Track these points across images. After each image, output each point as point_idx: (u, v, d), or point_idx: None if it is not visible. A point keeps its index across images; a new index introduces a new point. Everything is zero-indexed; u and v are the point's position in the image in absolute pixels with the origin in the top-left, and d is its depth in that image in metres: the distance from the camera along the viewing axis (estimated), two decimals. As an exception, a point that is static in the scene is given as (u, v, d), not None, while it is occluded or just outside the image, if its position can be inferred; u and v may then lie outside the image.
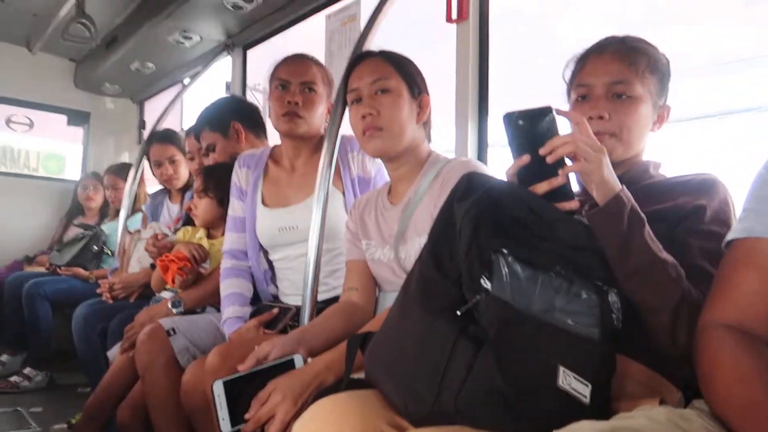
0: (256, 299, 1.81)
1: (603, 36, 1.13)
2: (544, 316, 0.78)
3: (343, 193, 1.67)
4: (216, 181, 2.02)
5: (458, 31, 1.91)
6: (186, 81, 3.61)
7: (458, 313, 0.82)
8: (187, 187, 2.78)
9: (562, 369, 0.76)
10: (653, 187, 1.07)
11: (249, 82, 3.22)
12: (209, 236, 2.13)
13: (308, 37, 2.70)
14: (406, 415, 0.84)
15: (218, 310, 1.89)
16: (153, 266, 2.29)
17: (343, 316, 1.34)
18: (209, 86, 3.46)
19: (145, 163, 2.96)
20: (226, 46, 3.14)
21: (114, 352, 2.05)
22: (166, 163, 2.72)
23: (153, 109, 4.30)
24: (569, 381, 0.76)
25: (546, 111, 0.88)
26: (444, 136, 1.80)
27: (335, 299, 1.49)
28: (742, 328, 0.78)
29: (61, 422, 2.36)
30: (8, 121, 4.10)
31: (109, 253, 3.30)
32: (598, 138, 1.01)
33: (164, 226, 2.51)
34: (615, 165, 1.06)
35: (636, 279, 0.85)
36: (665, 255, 0.87)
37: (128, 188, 3.05)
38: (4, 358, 3.24)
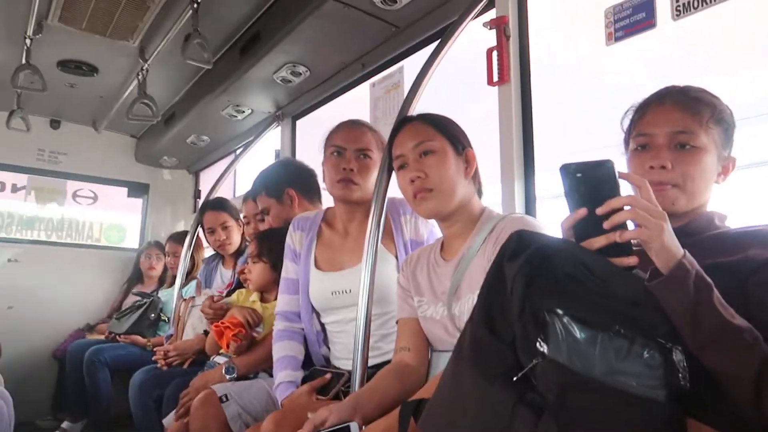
0: (308, 361, 1.81)
1: (641, 87, 1.13)
2: (606, 379, 0.75)
3: (396, 257, 1.68)
4: (269, 246, 2.08)
5: (500, 93, 1.94)
6: (238, 151, 3.78)
7: (514, 379, 0.80)
8: (239, 252, 2.86)
9: (627, 436, 0.72)
10: (719, 237, 1.03)
11: (297, 149, 3.34)
12: (262, 299, 2.17)
13: (354, 103, 2.80)
14: (464, 485, 0.81)
15: (270, 375, 1.89)
16: (206, 332, 2.33)
17: (396, 379, 1.32)
18: (260, 155, 3.61)
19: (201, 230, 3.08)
20: (276, 117, 3.29)
21: (169, 420, 2.07)
22: (219, 229, 2.82)
23: (207, 178, 4.50)
24: (637, 449, 0.71)
25: (605, 164, 0.86)
26: (490, 193, 1.81)
27: (387, 364, 1.46)
28: None
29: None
30: (74, 196, 4.37)
31: (166, 320, 3.39)
32: (661, 188, 0.99)
33: (217, 291, 2.58)
34: (678, 216, 1.03)
35: (709, 349, 0.80)
36: (738, 321, 0.81)
37: (183, 254, 3.16)
38: (65, 425, 3.31)
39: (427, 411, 0.91)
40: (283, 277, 1.88)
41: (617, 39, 1.65)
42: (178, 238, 3.59)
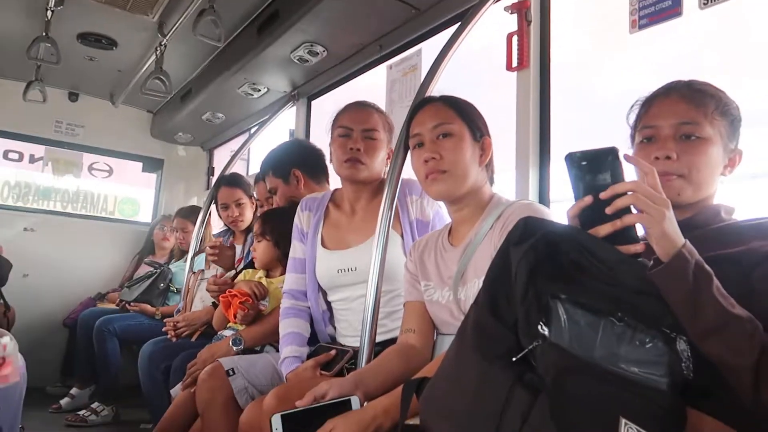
0: (314, 339, 1.83)
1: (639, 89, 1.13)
2: (606, 365, 0.75)
3: (402, 236, 1.69)
4: (272, 225, 2.11)
5: (518, 79, 1.92)
6: (253, 130, 3.79)
7: (513, 359, 0.80)
8: (250, 229, 2.88)
9: (624, 421, 0.71)
10: (724, 230, 1.02)
11: (312, 129, 3.34)
12: (268, 276, 2.19)
13: (369, 86, 2.79)
14: (461, 463, 0.82)
15: (277, 349, 1.92)
16: (215, 305, 2.36)
17: (400, 359, 1.33)
18: (274, 134, 3.61)
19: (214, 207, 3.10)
20: (292, 97, 3.29)
21: (176, 390, 2.11)
22: (233, 206, 2.83)
23: (221, 156, 4.52)
24: (632, 434, 0.71)
25: (610, 152, 0.86)
26: (503, 182, 1.80)
27: (392, 341, 1.48)
28: None
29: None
30: (90, 168, 4.42)
31: (175, 290, 3.44)
32: (666, 178, 0.98)
33: (227, 267, 2.61)
34: (684, 207, 1.03)
35: (709, 338, 0.79)
36: (738, 310, 0.81)
37: (196, 230, 3.18)
38: (74, 391, 3.39)
39: (428, 389, 0.92)
40: (291, 257, 1.90)
41: (641, 27, 1.62)
42: (186, 213, 3.62)
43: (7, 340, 0.58)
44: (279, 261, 2.12)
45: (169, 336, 2.54)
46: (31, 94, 3.40)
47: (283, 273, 1.99)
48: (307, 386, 1.29)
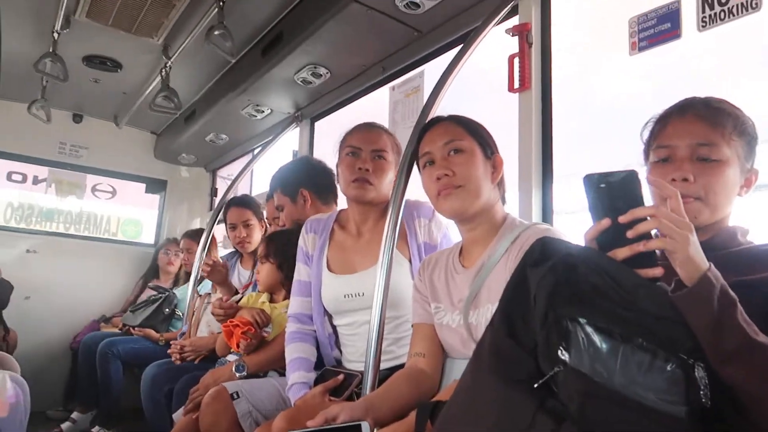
0: (319, 363, 1.81)
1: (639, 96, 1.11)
2: (627, 391, 0.74)
3: (410, 260, 1.67)
4: (276, 248, 2.10)
5: (520, 100, 1.93)
6: (256, 151, 3.80)
7: (535, 385, 0.79)
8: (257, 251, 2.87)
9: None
10: (743, 253, 1.01)
11: (315, 151, 3.36)
12: (271, 300, 2.18)
13: (372, 107, 2.81)
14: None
15: (281, 374, 1.90)
16: (222, 333, 2.35)
17: (409, 384, 1.31)
18: (278, 155, 3.62)
19: (217, 228, 3.09)
20: (295, 118, 3.30)
21: (179, 414, 2.08)
22: (240, 226, 2.82)
23: (224, 177, 4.53)
24: (655, 464, 0.70)
25: (629, 175, 0.85)
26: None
27: (399, 368, 1.46)
28: None
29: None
30: (93, 190, 4.43)
31: (180, 315, 3.42)
32: (684, 201, 0.97)
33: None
34: (700, 230, 1.01)
35: (732, 366, 0.78)
36: (762, 338, 0.79)
37: (199, 252, 3.18)
38: (75, 415, 3.35)
39: (444, 413, 0.91)
40: (296, 279, 1.88)
41: (641, 49, 1.64)
42: (193, 234, 3.61)
43: None
44: (282, 284, 2.10)
45: (173, 359, 2.52)
46: (35, 110, 3.41)
47: (287, 297, 1.97)
48: (316, 411, 1.27)
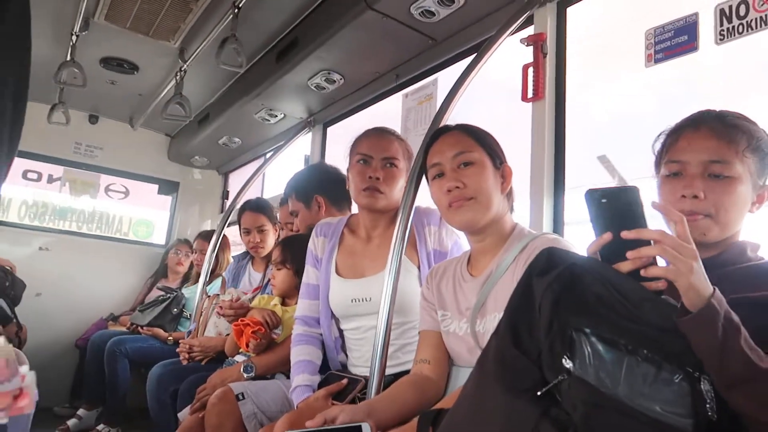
0: (325, 367, 1.81)
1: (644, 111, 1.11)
2: (631, 402, 0.74)
3: (418, 267, 1.67)
4: (293, 254, 2.10)
5: (534, 110, 1.93)
6: (268, 155, 3.83)
7: (539, 393, 0.79)
8: (270, 256, 2.88)
9: (652, 461, 0.70)
10: (751, 270, 1.00)
11: (327, 156, 3.37)
12: (283, 304, 2.18)
13: (384, 113, 2.82)
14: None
15: (287, 377, 1.90)
16: (231, 335, 2.35)
17: (414, 390, 1.31)
18: (290, 159, 3.65)
19: (230, 229, 3.10)
20: (308, 123, 3.32)
21: (184, 414, 2.09)
22: (255, 231, 2.83)
23: (236, 180, 4.56)
24: (659, 476, 0.70)
25: (631, 190, 0.85)
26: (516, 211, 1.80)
27: (404, 374, 1.45)
28: None
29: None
30: (107, 189, 4.48)
31: (188, 316, 3.44)
32: (692, 218, 0.96)
33: (242, 292, 2.61)
34: (710, 246, 1.00)
35: (735, 390, 0.77)
36: (766, 364, 0.78)
37: (209, 254, 3.20)
38: (81, 412, 3.37)
39: (446, 421, 0.90)
40: (304, 282, 1.88)
41: (657, 61, 1.63)
42: (207, 236, 3.63)
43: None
44: (297, 289, 2.11)
45: (181, 358, 2.53)
46: (56, 117, 3.47)
47: (299, 301, 1.98)
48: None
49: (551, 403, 0.77)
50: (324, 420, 1.16)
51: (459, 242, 1.69)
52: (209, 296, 2.88)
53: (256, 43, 2.78)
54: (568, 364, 0.77)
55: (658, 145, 1.15)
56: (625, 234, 0.83)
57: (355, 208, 1.96)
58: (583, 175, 1.96)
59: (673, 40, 1.60)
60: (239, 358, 2.13)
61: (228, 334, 2.39)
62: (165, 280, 3.99)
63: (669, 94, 1.76)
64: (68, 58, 2.94)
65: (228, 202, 4.35)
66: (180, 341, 2.67)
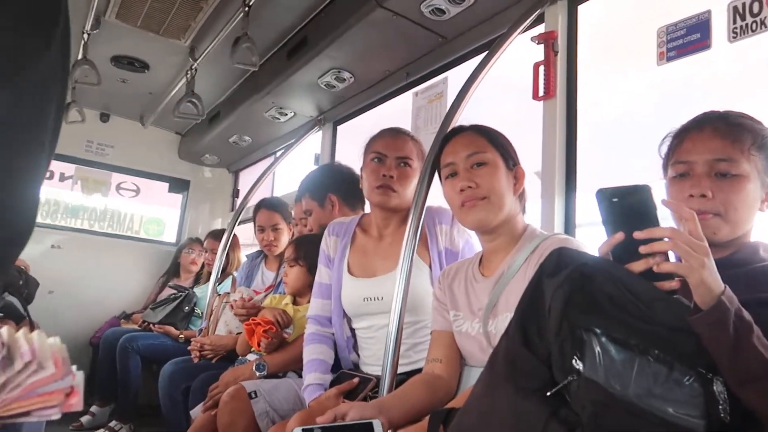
0: (337, 366, 1.82)
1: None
2: (642, 403, 0.74)
3: (430, 266, 1.67)
4: (306, 251, 2.11)
5: (545, 108, 1.93)
6: (278, 153, 3.84)
7: (548, 394, 0.79)
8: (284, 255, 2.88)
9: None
10: (766, 270, 0.99)
11: (337, 155, 3.38)
12: (295, 303, 2.20)
13: (395, 112, 2.82)
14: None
15: (300, 375, 1.91)
16: (243, 334, 2.36)
17: (425, 388, 1.32)
18: (300, 158, 3.65)
19: (240, 228, 3.11)
20: (318, 122, 3.33)
21: (196, 411, 2.11)
22: (269, 230, 2.84)
23: (246, 178, 4.58)
24: (670, 477, 0.70)
25: (642, 189, 0.85)
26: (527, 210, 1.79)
27: (416, 372, 1.46)
28: None
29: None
30: (118, 188, 4.51)
31: (199, 314, 3.46)
32: (702, 217, 0.96)
33: (252, 291, 2.62)
34: (721, 246, 1.00)
35: (748, 388, 0.77)
36: None
37: (220, 252, 3.21)
38: (94, 409, 3.40)
39: (457, 421, 0.91)
40: (317, 282, 1.89)
41: (669, 59, 1.62)
42: (217, 235, 3.64)
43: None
44: (310, 287, 2.11)
45: (192, 356, 2.55)
46: (71, 116, 3.50)
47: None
48: (330, 413, 1.29)
49: (560, 404, 0.77)
50: (335, 416, 1.16)
51: (470, 241, 1.69)
52: (219, 295, 2.89)
53: (267, 41, 2.79)
54: (578, 364, 0.77)
55: (664, 148, 1.15)
56: (638, 234, 0.83)
57: (367, 208, 1.97)
58: (594, 175, 1.95)
59: (686, 38, 1.59)
60: (251, 356, 2.15)
61: (239, 333, 2.41)
62: (177, 278, 4.01)
63: (679, 94, 1.74)
64: (80, 56, 2.96)
65: (238, 201, 4.37)
66: (192, 339, 2.69)
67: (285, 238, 2.84)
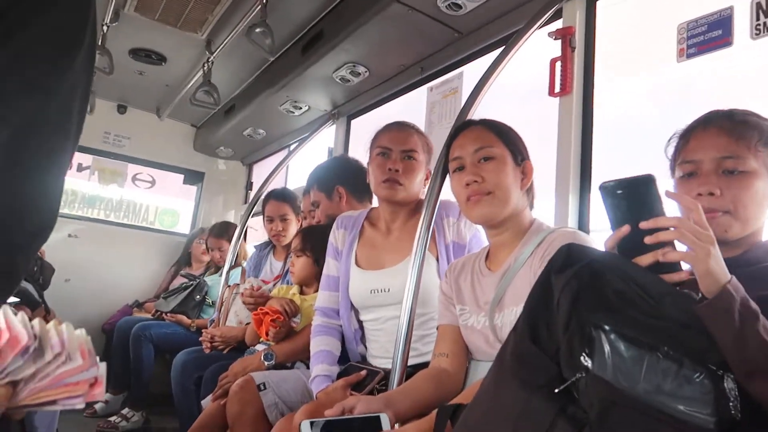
0: (344, 358, 1.83)
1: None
2: (651, 400, 0.73)
3: (437, 259, 1.68)
4: (313, 242, 2.13)
5: (561, 105, 1.91)
6: (292, 146, 3.85)
7: (556, 391, 0.79)
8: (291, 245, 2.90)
9: (671, 460, 0.69)
10: None
11: (350, 149, 3.38)
12: (302, 293, 2.21)
13: (409, 107, 2.81)
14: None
15: (308, 366, 1.92)
16: (252, 323, 2.38)
17: (432, 383, 1.32)
18: (313, 151, 3.66)
19: (254, 221, 3.13)
20: (332, 116, 3.33)
21: (207, 401, 2.13)
22: (277, 220, 2.86)
23: (260, 171, 4.61)
24: (679, 475, 0.69)
25: (646, 179, 0.84)
26: (542, 209, 1.78)
27: (424, 365, 1.47)
28: None
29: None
30: (134, 179, 4.56)
31: (210, 303, 3.49)
32: (711, 215, 0.95)
33: (261, 281, 2.64)
34: (733, 244, 0.99)
35: (755, 379, 0.76)
36: None
37: (233, 244, 3.23)
38: (108, 396, 3.44)
39: (464, 416, 0.90)
40: (324, 274, 1.90)
41: (689, 56, 1.60)
42: (218, 233, 3.64)
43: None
44: (316, 277, 2.13)
45: (204, 347, 2.57)
46: (84, 106, 3.54)
47: (318, 290, 2.00)
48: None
49: (568, 401, 0.77)
50: (342, 409, 1.17)
51: (478, 235, 1.69)
52: (229, 286, 2.92)
53: (283, 34, 2.79)
54: (586, 361, 0.76)
55: (670, 149, 1.14)
56: (643, 224, 0.83)
57: (375, 202, 1.97)
58: (611, 175, 1.92)
59: (707, 35, 1.57)
60: (260, 347, 2.16)
61: (248, 323, 2.43)
62: (189, 268, 4.05)
63: (698, 92, 1.71)
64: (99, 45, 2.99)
65: (252, 193, 4.39)
66: (203, 330, 2.71)
67: (293, 229, 2.86)
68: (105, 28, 2.88)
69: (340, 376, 1.71)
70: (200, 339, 2.62)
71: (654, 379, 0.74)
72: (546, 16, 1.85)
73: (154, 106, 4.35)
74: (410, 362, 1.56)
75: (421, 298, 1.57)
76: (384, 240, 1.82)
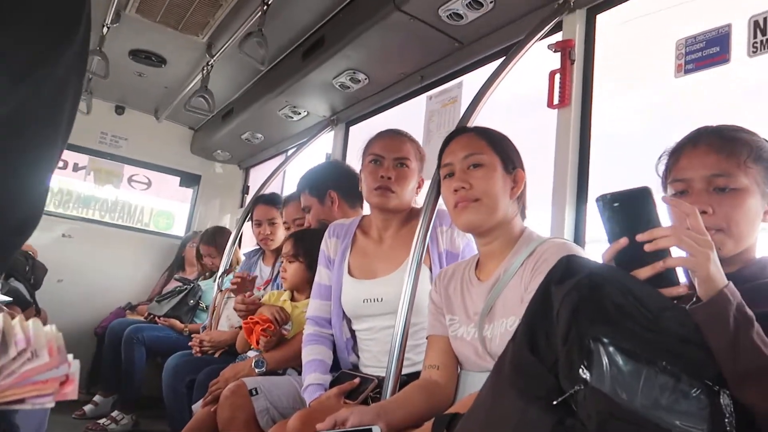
0: (336, 367, 1.81)
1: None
2: (648, 414, 0.73)
3: (430, 268, 1.67)
4: (306, 248, 2.11)
5: (559, 116, 1.92)
6: (290, 151, 3.85)
7: (554, 402, 0.79)
8: (280, 249, 2.89)
9: (667, 475, 0.69)
10: None
11: (348, 155, 3.38)
12: (293, 299, 2.19)
13: (408, 115, 2.81)
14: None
15: (299, 373, 1.91)
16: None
17: (423, 394, 1.31)
18: (311, 157, 3.66)
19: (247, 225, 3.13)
20: (331, 122, 3.34)
21: (198, 405, 2.11)
22: (266, 224, 2.86)
23: (257, 176, 4.60)
24: (675, 491, 0.69)
25: (642, 191, 0.85)
26: (538, 221, 1.78)
27: (416, 375, 1.46)
28: None
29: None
30: (130, 180, 4.54)
31: (204, 307, 3.47)
32: None
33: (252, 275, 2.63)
34: (727, 261, 0.99)
35: (747, 386, 0.77)
36: None
37: (228, 248, 3.22)
38: (97, 398, 3.42)
39: (461, 425, 0.90)
40: (316, 282, 1.89)
41: (687, 72, 1.61)
42: (209, 239, 3.59)
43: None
44: (309, 283, 2.11)
45: (194, 352, 2.56)
46: (81, 105, 3.53)
47: (309, 296, 1.99)
48: (330, 413, 1.28)
49: (566, 413, 0.76)
50: (335, 422, 1.16)
51: (471, 244, 1.68)
52: (221, 291, 2.91)
53: (284, 40, 2.80)
54: (584, 374, 0.76)
55: (661, 167, 1.14)
56: (640, 237, 0.83)
57: (367, 208, 1.97)
58: (608, 189, 1.93)
59: (705, 51, 1.58)
60: (251, 353, 2.15)
61: (240, 327, 2.42)
62: (182, 272, 4.03)
63: (695, 108, 1.73)
64: (97, 48, 2.99)
65: (248, 197, 4.38)
66: (192, 336, 2.70)
67: (281, 233, 2.85)
68: (105, 29, 2.88)
69: (332, 384, 1.70)
70: (189, 344, 2.60)
71: (651, 393, 0.74)
72: (546, 28, 1.86)
73: (153, 108, 4.34)
74: (403, 371, 1.56)
75: (414, 307, 1.56)
76: (376, 248, 1.81)
